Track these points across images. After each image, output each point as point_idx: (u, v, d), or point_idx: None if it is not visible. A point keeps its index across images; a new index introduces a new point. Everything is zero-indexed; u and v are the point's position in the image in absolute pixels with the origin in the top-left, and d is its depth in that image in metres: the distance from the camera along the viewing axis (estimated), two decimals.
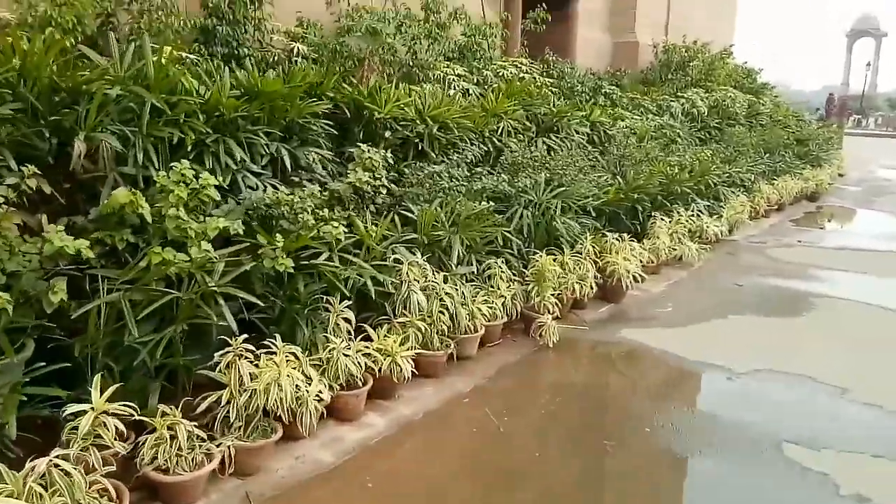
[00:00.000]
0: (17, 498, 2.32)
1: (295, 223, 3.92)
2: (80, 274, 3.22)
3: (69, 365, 3.06)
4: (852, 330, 6.05)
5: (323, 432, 3.75)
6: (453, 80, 7.11)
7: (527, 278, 5.55)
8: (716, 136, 12.87)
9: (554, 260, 5.92)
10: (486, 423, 4.03)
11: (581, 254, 6.15)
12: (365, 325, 4.22)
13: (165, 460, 2.92)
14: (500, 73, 7.60)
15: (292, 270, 3.71)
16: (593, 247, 6.28)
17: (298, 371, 3.51)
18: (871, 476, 3.67)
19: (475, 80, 7.51)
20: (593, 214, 6.98)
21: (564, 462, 3.71)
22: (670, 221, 8.18)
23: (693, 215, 8.72)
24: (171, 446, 2.94)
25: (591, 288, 6.09)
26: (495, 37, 8.20)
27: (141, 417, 2.93)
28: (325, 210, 4.18)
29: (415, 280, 4.37)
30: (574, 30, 11.91)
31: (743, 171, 11.21)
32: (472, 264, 5.03)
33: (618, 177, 8.05)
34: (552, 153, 7.17)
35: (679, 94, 13.13)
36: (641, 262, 7.03)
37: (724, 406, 4.55)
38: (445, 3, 7.89)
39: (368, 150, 4.58)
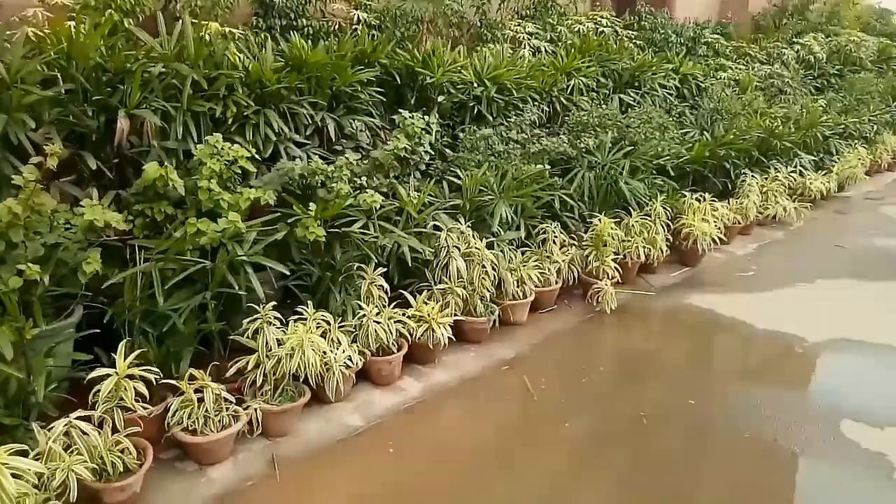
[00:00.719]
0: (37, 459, 2.54)
1: (331, 192, 4.00)
2: (121, 245, 3.46)
3: (111, 329, 3.31)
4: None
5: (358, 396, 3.85)
6: (524, 38, 6.90)
7: (584, 243, 5.38)
8: (835, 85, 11.78)
9: (619, 223, 5.72)
10: (521, 391, 3.99)
11: (650, 216, 5.88)
12: (405, 292, 4.26)
13: (193, 422, 3.11)
14: (576, 29, 7.28)
15: (323, 239, 3.79)
16: (665, 208, 5.97)
17: (328, 337, 3.62)
18: None
19: (549, 38, 7.24)
20: (671, 174, 6.64)
21: (591, 433, 3.61)
22: (766, 179, 7.63)
23: (795, 171, 8.09)
24: (198, 408, 3.12)
25: (662, 251, 5.82)
26: None
27: (167, 380, 3.13)
28: (363, 178, 4.22)
29: (455, 247, 4.34)
30: None
31: (862, 122, 10.22)
32: (519, 229, 4.92)
33: (706, 133, 7.58)
34: (628, 110, 6.84)
35: (794, 40, 12.08)
36: (725, 223, 6.64)
37: (785, 378, 4.25)
38: None
39: (411, 117, 4.56)
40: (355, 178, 4.21)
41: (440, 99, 5.28)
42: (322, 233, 3.77)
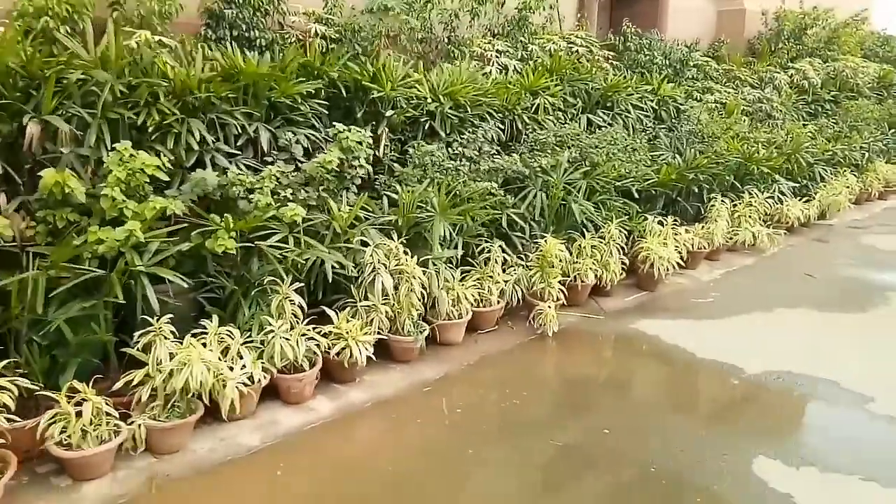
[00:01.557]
0: None
1: (251, 204, 3.93)
2: (19, 252, 3.40)
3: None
4: None
5: (264, 414, 3.75)
6: (492, 56, 6.83)
7: (530, 263, 5.27)
8: (829, 111, 11.61)
9: (570, 244, 5.61)
10: (435, 416, 3.87)
11: (605, 238, 5.76)
12: (327, 309, 4.17)
13: (68, 436, 3.03)
14: (547, 48, 7.21)
15: (233, 251, 3.71)
16: (620, 231, 5.84)
17: (230, 353, 3.54)
18: None
19: (519, 56, 7.17)
20: (636, 196, 6.52)
21: (495, 461, 3.48)
22: (738, 204, 7.49)
23: (772, 197, 7.94)
24: (76, 422, 3.04)
25: (616, 275, 5.69)
26: (552, 8, 7.75)
27: (44, 392, 3.06)
28: (289, 191, 4.15)
29: (381, 263, 4.25)
30: (664, 1, 11.08)
31: (852, 149, 10.04)
32: (457, 248, 4.82)
33: (678, 156, 7.46)
34: (593, 130, 6.74)
35: (789, 65, 11.94)
36: (689, 248, 6.51)
37: (709, 411, 4.10)
38: None
39: (346, 130, 4.49)
40: (280, 191, 4.14)
41: (388, 114, 5.21)
42: (233, 245, 3.70)
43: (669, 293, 6.16)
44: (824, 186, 9.11)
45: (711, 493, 3.20)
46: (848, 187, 9.68)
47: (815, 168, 9.02)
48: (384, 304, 4.25)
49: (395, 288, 4.34)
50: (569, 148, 6.09)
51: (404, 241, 4.54)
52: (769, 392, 4.25)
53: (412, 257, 4.45)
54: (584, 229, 5.73)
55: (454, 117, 5.64)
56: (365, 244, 4.30)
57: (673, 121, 8.15)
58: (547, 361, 4.78)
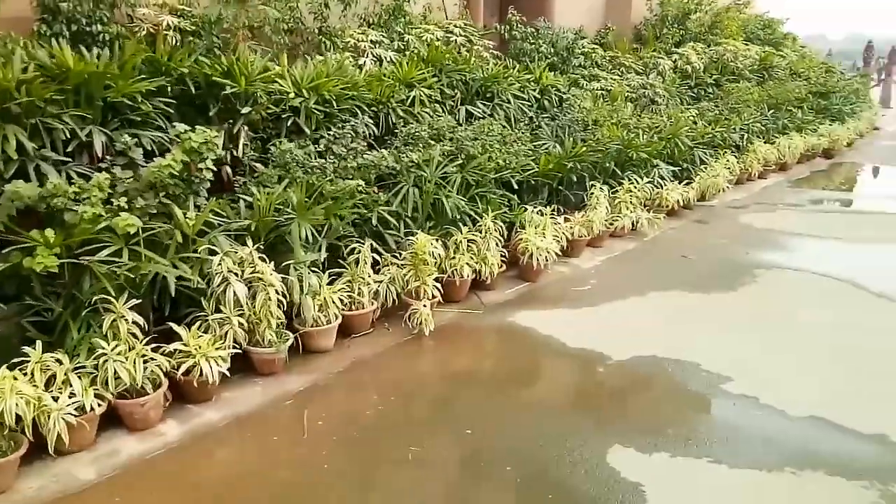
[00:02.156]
0: None
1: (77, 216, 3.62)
2: None
3: None
4: (780, 307, 5.45)
5: (104, 444, 3.48)
6: (366, 47, 6.64)
7: (404, 262, 5.14)
8: (711, 94, 12.00)
9: (447, 240, 5.52)
10: (294, 429, 3.70)
11: (482, 232, 5.70)
12: (174, 325, 3.91)
13: None
14: (424, 38, 7.07)
15: (55, 269, 3.41)
16: (497, 223, 5.80)
17: (57, 381, 3.25)
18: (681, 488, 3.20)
19: (396, 47, 7.00)
20: (517, 187, 6.50)
21: (348, 475, 3.34)
22: (618, 190, 7.60)
23: (651, 182, 8.10)
24: None
25: (494, 268, 5.64)
26: None
27: None
28: (123, 199, 3.85)
29: (231, 272, 4.02)
30: None
31: (731, 131, 10.39)
32: (321, 250, 4.63)
33: (559, 145, 7.49)
34: (473, 122, 6.67)
35: (673, 50, 12.25)
36: (569, 236, 6.55)
37: (572, 401, 4.10)
38: None
39: (189, 130, 4.21)
40: (115, 199, 3.84)
41: (245, 110, 4.95)
42: (54, 262, 3.39)
43: (551, 283, 6.17)
44: (705, 169, 9.40)
45: (564, 488, 3.17)
46: (728, 168, 10.03)
47: (694, 151, 9.28)
48: (238, 315, 4.03)
49: (254, 297, 4.13)
50: (443, 141, 6.00)
51: (261, 247, 4.31)
52: (633, 378, 4.29)
53: (270, 263, 4.23)
54: (461, 223, 5.65)
55: (320, 112, 5.43)
56: (214, 252, 4.05)
57: (555, 109, 8.19)
58: (419, 362, 4.67)
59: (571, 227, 6.73)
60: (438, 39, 7.16)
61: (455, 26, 7.58)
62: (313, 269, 4.58)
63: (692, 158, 9.26)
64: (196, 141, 4.16)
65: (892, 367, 4.36)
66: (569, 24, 11.49)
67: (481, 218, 5.75)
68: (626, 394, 4.13)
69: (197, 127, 4.31)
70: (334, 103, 5.46)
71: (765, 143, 11.39)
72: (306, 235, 4.53)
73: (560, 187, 7.29)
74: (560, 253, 6.24)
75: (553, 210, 7.13)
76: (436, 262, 5.28)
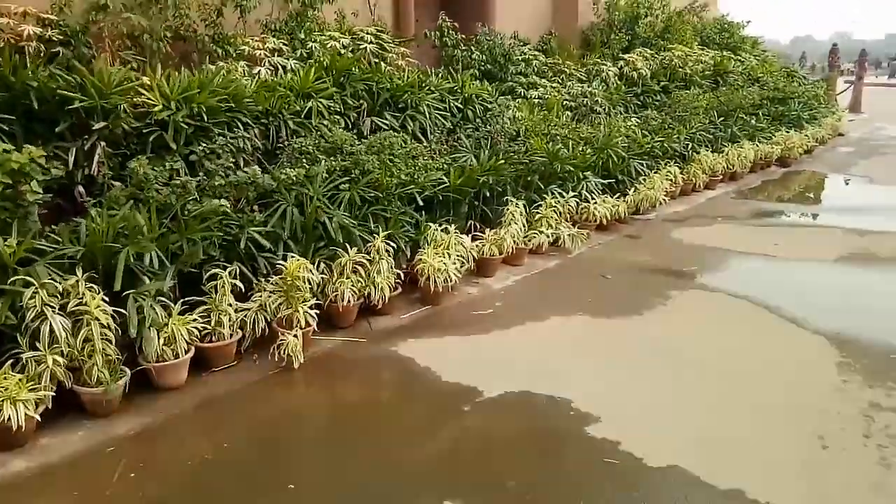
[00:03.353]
0: None
1: None
2: None
3: None
4: (679, 335, 5.14)
5: None
6: (263, 55, 6.30)
7: (276, 288, 4.79)
8: (658, 101, 11.75)
9: (331, 262, 5.20)
10: (100, 484, 3.34)
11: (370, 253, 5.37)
12: None
13: None
14: (329, 46, 6.73)
15: None
16: (388, 243, 5.46)
17: None
18: None
19: (299, 55, 6.67)
20: (421, 203, 6.18)
21: None
22: (541, 205, 7.31)
23: (579, 196, 7.81)
24: None
25: (386, 292, 5.31)
26: (330, 2, 7.20)
27: None
28: None
29: (47, 305, 3.66)
30: None
31: (672, 141, 10.13)
32: (167, 277, 4.28)
33: (473, 158, 7.18)
34: (378, 135, 6.34)
35: (620, 56, 12.00)
36: (475, 255, 6.25)
37: (425, 449, 3.75)
38: None
39: (7, 151, 3.85)
40: None
41: (98, 126, 4.60)
42: None
43: (453, 306, 5.85)
44: (644, 181, 9.12)
45: None
46: (669, 180, 9.75)
47: (630, 163, 9.00)
48: (54, 352, 3.67)
49: (79, 331, 3.78)
50: (337, 156, 5.67)
51: (95, 275, 3.96)
52: (495, 419, 3.96)
53: (100, 293, 3.88)
54: (350, 244, 5.30)
55: (193, 126, 5.09)
56: (29, 284, 3.69)
57: (478, 120, 7.88)
58: (273, 400, 4.30)
59: (481, 246, 6.42)
60: (345, 47, 6.82)
61: (366, 33, 7.25)
62: (161, 297, 4.23)
63: (628, 170, 8.98)
64: (17, 161, 3.80)
65: (773, 406, 4.05)
66: (511, 30, 11.22)
67: (371, 238, 5.42)
68: (483, 439, 3.79)
69: (26, 146, 3.96)
70: (205, 116, 5.11)
71: (712, 152, 11.13)
72: (151, 261, 4.18)
73: (477, 202, 7.00)
74: (474, 272, 5.95)
75: (470, 226, 6.86)
76: (317, 287, 4.96)
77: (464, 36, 9.30)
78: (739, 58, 15.83)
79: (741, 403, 4.07)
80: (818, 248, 7.45)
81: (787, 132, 13.65)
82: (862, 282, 6.35)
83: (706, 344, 4.97)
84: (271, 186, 5.04)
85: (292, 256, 4.87)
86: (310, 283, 4.82)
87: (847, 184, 11.88)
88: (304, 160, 5.35)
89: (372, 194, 5.69)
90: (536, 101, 9.67)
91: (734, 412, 3.98)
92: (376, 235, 5.40)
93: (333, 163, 5.51)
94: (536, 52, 10.84)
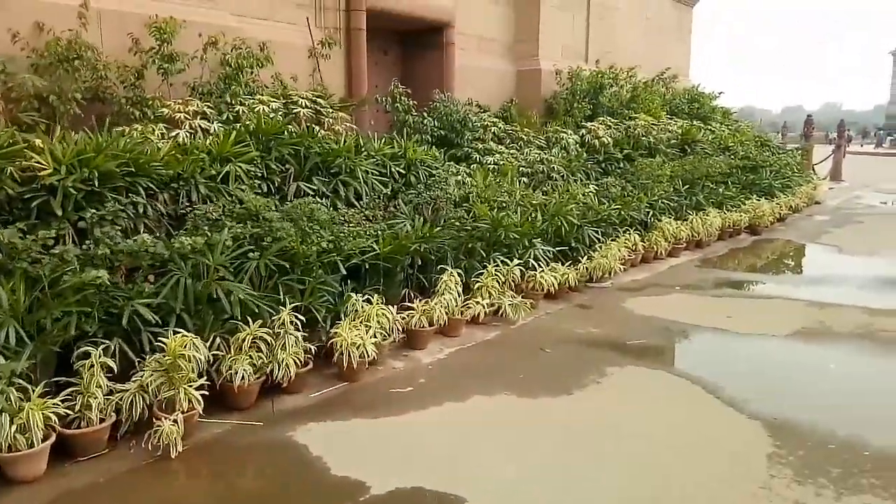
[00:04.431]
0: None
1: None
2: None
3: None
4: (605, 420, 4.73)
5: None
6: (183, 118, 6.07)
7: (157, 366, 4.40)
8: (620, 169, 11.59)
9: (227, 336, 4.82)
10: None
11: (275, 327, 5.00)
12: None
13: None
14: (257, 109, 6.51)
15: None
16: (297, 317, 5.10)
17: None
18: None
19: (225, 118, 6.45)
20: (344, 273, 5.86)
21: None
22: (481, 274, 6.99)
23: (525, 264, 7.50)
24: None
25: (291, 368, 4.92)
26: (260, 67, 7.05)
27: None
28: None
29: None
30: (450, 59, 10.80)
31: (630, 209, 9.90)
32: (24, 357, 3.90)
33: (407, 224, 6.90)
34: (297, 200, 6.05)
35: (582, 124, 11.91)
36: (400, 328, 5.89)
37: None
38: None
39: None
40: None
41: None
42: None
43: (373, 382, 5.45)
44: (600, 248, 8.85)
45: None
46: (629, 247, 9.49)
47: (584, 230, 8.74)
48: None
49: None
50: (249, 222, 5.36)
51: None
52: None
53: None
54: (251, 318, 4.94)
55: (84, 192, 4.79)
56: None
57: (421, 186, 7.64)
58: (140, 493, 3.83)
59: (410, 317, 6.07)
60: (275, 111, 6.60)
61: (301, 97, 7.06)
62: (17, 380, 3.84)
63: (581, 238, 8.71)
64: None
65: None
66: (473, 98, 11.16)
67: (275, 311, 5.06)
68: None
69: None
70: (96, 182, 4.81)
71: (676, 219, 10.90)
72: (7, 337, 3.80)
73: (412, 271, 6.68)
74: (404, 344, 5.62)
75: (404, 295, 6.54)
76: (207, 365, 4.57)
77: (415, 103, 9.15)
78: (710, 127, 15.85)
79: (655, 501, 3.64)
80: (773, 321, 7.09)
81: (758, 200, 13.51)
82: (811, 360, 5.98)
83: (630, 431, 4.55)
84: (163, 256, 4.71)
85: (177, 332, 4.49)
86: (197, 361, 4.42)
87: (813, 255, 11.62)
88: (205, 228, 5.03)
89: (284, 263, 5.36)
90: (492, 167, 9.49)
91: None
92: (283, 308, 5.04)
93: (241, 230, 5.19)
94: (496, 119, 10.73)
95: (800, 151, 18.92)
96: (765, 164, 15.01)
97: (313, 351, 5.26)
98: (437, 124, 9.26)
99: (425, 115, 9.05)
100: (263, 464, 4.17)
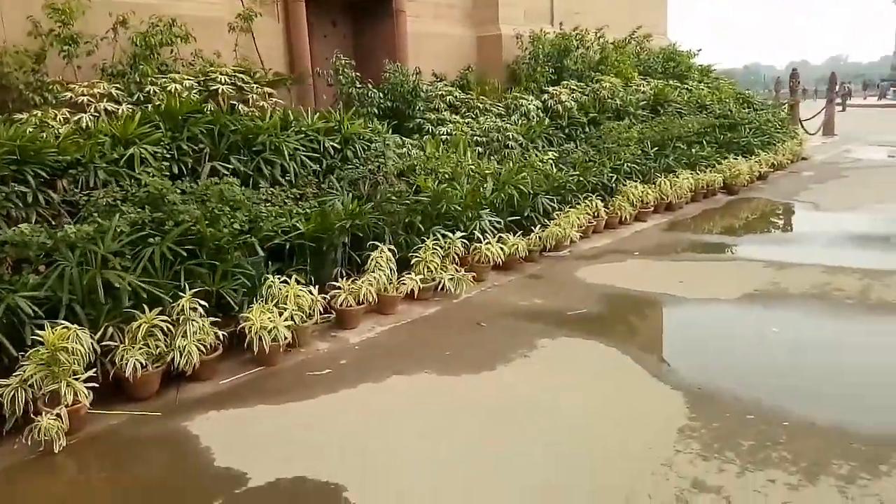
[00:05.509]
0: None
1: None
2: None
3: None
4: (527, 396, 4.49)
5: None
6: (87, 101, 5.80)
7: (35, 361, 4.18)
8: (586, 134, 11.26)
9: (122, 325, 4.60)
10: None
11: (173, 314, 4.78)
12: None
13: None
14: (168, 88, 6.22)
15: None
16: (196, 304, 4.87)
17: None
18: None
19: (137, 99, 6.17)
20: (262, 254, 5.62)
21: None
22: (419, 248, 6.75)
23: (470, 236, 7.24)
24: None
25: (194, 356, 4.70)
26: (186, 41, 6.74)
27: None
28: None
29: None
30: (401, 27, 10.42)
31: (595, 175, 9.60)
32: None
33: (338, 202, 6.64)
34: (204, 181, 5.79)
35: (545, 89, 11.55)
36: (321, 308, 5.66)
37: None
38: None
39: None
40: None
41: None
42: None
43: (291, 366, 5.23)
44: (558, 216, 8.57)
45: None
46: (590, 214, 9.21)
47: (538, 199, 8.45)
48: None
49: None
50: (145, 207, 5.11)
51: None
52: None
53: None
54: (148, 306, 4.71)
55: None
56: None
57: (357, 160, 7.35)
58: (14, 491, 3.65)
59: (337, 296, 5.85)
60: (190, 89, 6.31)
61: (221, 73, 6.75)
62: None
63: (536, 207, 8.43)
64: None
65: (574, 488, 3.38)
66: (429, 67, 10.81)
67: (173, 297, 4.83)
68: None
69: None
70: None
71: (643, 183, 10.57)
72: None
73: (346, 249, 6.45)
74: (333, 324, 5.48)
75: (337, 274, 6.32)
76: (95, 356, 4.36)
77: (359, 75, 8.82)
78: (686, 86, 15.43)
79: (547, 483, 3.42)
80: (726, 284, 6.81)
81: (735, 159, 13.15)
82: (754, 325, 5.71)
83: (545, 407, 4.32)
84: (47, 245, 4.47)
85: (59, 324, 4.27)
86: (82, 353, 4.20)
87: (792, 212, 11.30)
88: (95, 215, 4.79)
89: (192, 248, 5.12)
90: (445, 138, 9.18)
91: (534, 497, 3.32)
92: (183, 294, 4.81)
93: (139, 215, 4.94)
94: (451, 88, 10.39)
95: (785, 107, 18.45)
96: (744, 121, 14.61)
97: (226, 336, 5.04)
98: (382, 96, 8.93)
99: (370, 86, 8.71)
100: (148, 456, 3.97)
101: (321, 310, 5.62)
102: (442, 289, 6.73)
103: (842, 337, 5.31)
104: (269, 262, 5.82)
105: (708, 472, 3.41)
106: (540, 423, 4.08)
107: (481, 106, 10.17)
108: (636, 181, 10.43)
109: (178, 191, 5.34)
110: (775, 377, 4.60)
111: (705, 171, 12.16)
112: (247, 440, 4.05)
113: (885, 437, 3.65)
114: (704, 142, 12.94)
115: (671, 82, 15.10)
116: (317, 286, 5.96)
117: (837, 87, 26.97)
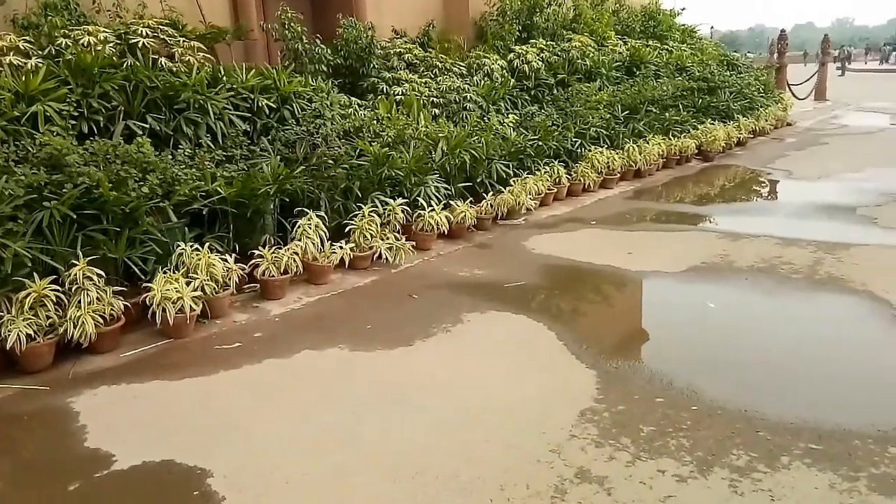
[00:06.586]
0: None
1: None
2: None
3: None
4: (439, 374, 4.26)
5: None
6: None
7: None
8: (552, 97, 10.88)
9: (10, 295, 4.34)
10: None
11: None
12: None
13: None
14: (85, 42, 5.84)
15: None
16: (92, 272, 4.61)
17: None
18: None
19: (49, 53, 5.80)
20: (175, 220, 5.34)
21: None
22: (355, 215, 6.47)
23: (413, 203, 6.96)
24: None
25: (88, 328, 4.45)
26: None
27: None
28: None
29: None
30: None
31: (556, 139, 9.28)
32: None
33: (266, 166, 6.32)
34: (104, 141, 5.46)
35: (512, 48, 11.11)
36: (238, 277, 5.40)
37: None
38: None
39: None
40: None
41: None
42: None
43: (199, 339, 4.98)
44: (515, 182, 8.28)
45: None
46: (552, 180, 8.93)
47: (493, 165, 8.15)
48: None
49: None
50: (39, 168, 4.80)
51: None
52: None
53: None
54: (36, 275, 4.45)
55: None
56: None
57: (293, 121, 7.01)
58: None
59: (259, 265, 5.59)
60: (103, 43, 5.93)
61: (144, 26, 6.36)
62: None
63: (490, 173, 8.13)
64: None
65: (447, 477, 3.16)
66: (389, 22, 10.38)
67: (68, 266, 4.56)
68: None
69: None
70: None
71: (610, 148, 10.25)
72: None
73: (276, 215, 6.16)
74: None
75: (265, 242, 6.04)
76: None
77: (308, 30, 8.40)
78: (666, 47, 14.97)
79: (420, 471, 3.19)
80: (675, 256, 6.56)
81: (712, 124, 12.80)
82: (692, 299, 5.49)
83: (453, 384, 4.10)
84: None
85: None
86: None
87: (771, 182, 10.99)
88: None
89: (95, 212, 4.83)
90: (399, 98, 8.82)
91: (403, 486, 3.10)
92: (78, 262, 4.54)
93: (36, 177, 4.63)
94: (411, 46, 9.97)
95: (763, 70, 17.97)
96: (724, 84, 14.20)
97: (137, 307, 4.79)
98: (333, 53, 8.54)
99: (318, 42, 8.31)
100: (17, 435, 3.74)
101: (237, 280, 5.36)
102: (381, 258, 6.47)
103: (776, 315, 5.07)
104: (189, 230, 5.55)
105: (597, 459, 3.19)
106: (432, 403, 3.85)
107: (441, 65, 9.76)
108: (603, 147, 10.11)
109: (84, 151, 5.02)
110: (697, 356, 4.38)
111: (679, 137, 11.83)
112: (127, 418, 3.83)
113: (793, 425, 3.43)
114: (681, 105, 12.59)
115: (650, 42, 14.64)
116: (243, 255, 5.71)
117: (837, 52, 26.44)
